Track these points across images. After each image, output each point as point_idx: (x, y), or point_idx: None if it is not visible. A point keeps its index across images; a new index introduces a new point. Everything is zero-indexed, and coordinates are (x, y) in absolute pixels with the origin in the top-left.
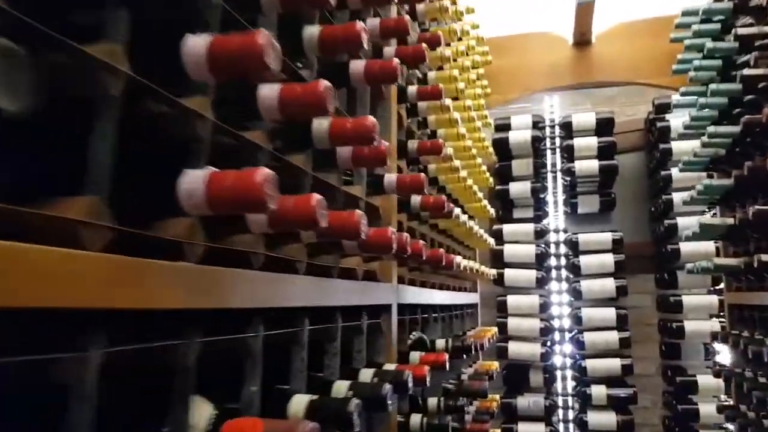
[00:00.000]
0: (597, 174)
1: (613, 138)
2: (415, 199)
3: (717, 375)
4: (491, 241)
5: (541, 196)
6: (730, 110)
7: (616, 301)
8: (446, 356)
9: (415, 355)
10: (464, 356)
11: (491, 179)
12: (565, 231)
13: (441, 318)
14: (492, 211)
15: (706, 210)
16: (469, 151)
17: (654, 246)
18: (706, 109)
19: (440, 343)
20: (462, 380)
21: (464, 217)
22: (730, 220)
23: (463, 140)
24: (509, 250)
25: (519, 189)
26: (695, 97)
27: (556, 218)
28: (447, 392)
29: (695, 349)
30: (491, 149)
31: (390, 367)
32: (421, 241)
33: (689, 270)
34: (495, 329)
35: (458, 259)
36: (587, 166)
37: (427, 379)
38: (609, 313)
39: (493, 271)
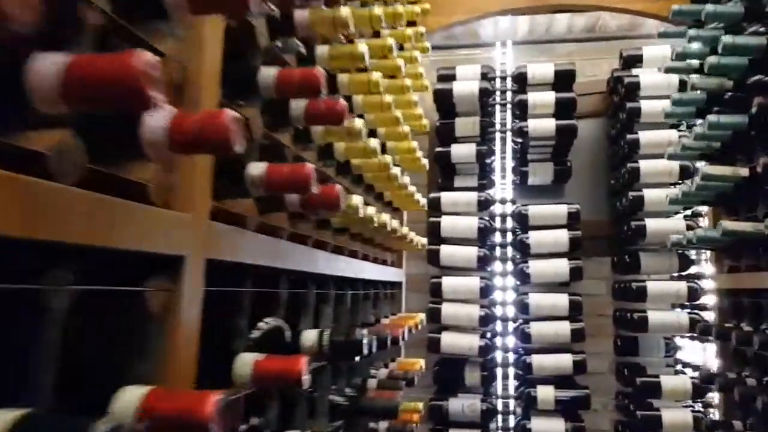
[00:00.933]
0: (553, 135)
1: (573, 94)
2: (266, 72)
3: (706, 381)
4: (423, 201)
5: (488, 161)
6: (740, 29)
7: (568, 287)
8: (304, 362)
9: (245, 361)
10: (354, 358)
11: (425, 122)
12: (513, 202)
13: (335, 297)
14: (425, 162)
15: (678, 182)
16: (392, 59)
17: (611, 225)
18: (703, 37)
19: (308, 337)
20: (366, 389)
21: (374, 143)
22: (744, 171)
23: (383, 37)
24: (447, 223)
25: (462, 152)
26: (684, 28)
27: (503, 188)
28: (335, 411)
29: (653, 344)
30: (427, 83)
31: (137, 392)
32: (240, 117)
33: (674, 243)
34: (420, 316)
35: (356, 199)
36: (542, 125)
37: (213, 424)
38: (561, 300)
39: (423, 240)
